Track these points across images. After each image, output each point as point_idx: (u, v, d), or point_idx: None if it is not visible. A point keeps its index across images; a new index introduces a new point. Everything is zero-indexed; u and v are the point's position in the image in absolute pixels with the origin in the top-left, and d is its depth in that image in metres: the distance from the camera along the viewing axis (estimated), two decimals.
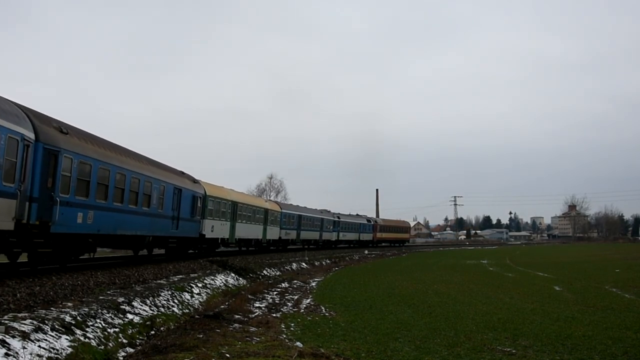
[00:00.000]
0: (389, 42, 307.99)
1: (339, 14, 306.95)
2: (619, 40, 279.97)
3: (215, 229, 29.02)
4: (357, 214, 72.44)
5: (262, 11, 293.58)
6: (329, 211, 59.07)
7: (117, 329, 10.91)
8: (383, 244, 76.47)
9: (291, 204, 49.29)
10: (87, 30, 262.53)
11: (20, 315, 9.41)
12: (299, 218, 47.12)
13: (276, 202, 45.69)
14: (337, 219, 59.22)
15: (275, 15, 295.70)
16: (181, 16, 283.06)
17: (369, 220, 72.11)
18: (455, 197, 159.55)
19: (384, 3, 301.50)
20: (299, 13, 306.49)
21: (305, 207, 52.23)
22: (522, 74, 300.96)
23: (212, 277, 21.33)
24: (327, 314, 14.54)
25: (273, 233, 40.72)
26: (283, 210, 43.61)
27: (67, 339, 9.05)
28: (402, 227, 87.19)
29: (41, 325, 8.95)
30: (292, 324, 12.69)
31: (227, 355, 8.88)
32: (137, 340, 11.02)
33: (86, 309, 10.87)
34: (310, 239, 51.11)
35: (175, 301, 15.38)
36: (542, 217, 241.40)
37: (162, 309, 13.99)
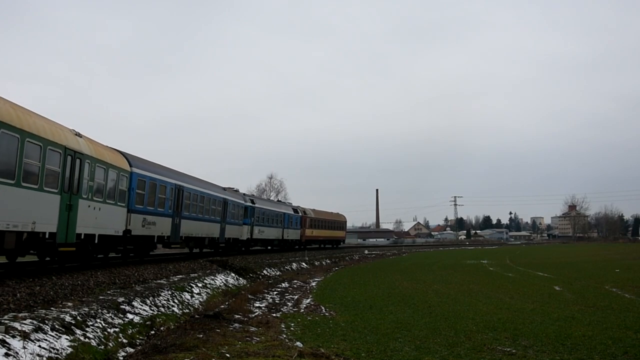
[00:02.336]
0: (391, 42, 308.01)
1: (345, 14, 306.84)
2: (621, 39, 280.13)
3: None
4: (278, 200, 52.49)
5: (267, 12, 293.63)
6: (237, 190, 37.00)
7: (117, 329, 10.91)
8: (313, 245, 56.85)
9: (160, 165, 23.96)
10: (90, 31, 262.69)
11: (20, 315, 9.40)
12: (177, 192, 23.59)
13: (123, 154, 19.94)
14: (250, 204, 37.03)
15: (279, 15, 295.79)
16: (185, 17, 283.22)
17: (295, 210, 50.29)
18: (455, 197, 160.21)
19: (384, 4, 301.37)
20: (304, 13, 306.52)
21: (195, 178, 27.89)
22: (523, 73, 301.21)
23: (212, 277, 21.34)
24: (327, 314, 14.54)
25: (109, 221, 17.73)
26: (136, 171, 19.97)
27: (67, 339, 9.05)
28: (338, 222, 64.21)
29: (41, 325, 8.94)
30: (292, 324, 12.69)
31: (227, 355, 8.88)
32: (137, 340, 11.02)
33: (86, 309, 10.87)
34: (200, 237, 27.50)
35: (175, 301, 15.38)
36: (542, 217, 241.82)
37: (162, 309, 13.99)
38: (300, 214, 50.59)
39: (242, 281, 24.01)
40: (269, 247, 44.95)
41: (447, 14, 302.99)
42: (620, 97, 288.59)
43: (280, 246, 46.07)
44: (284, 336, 11.10)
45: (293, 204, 53.19)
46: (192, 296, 16.89)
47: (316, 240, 56.89)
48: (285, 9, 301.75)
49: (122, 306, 12.33)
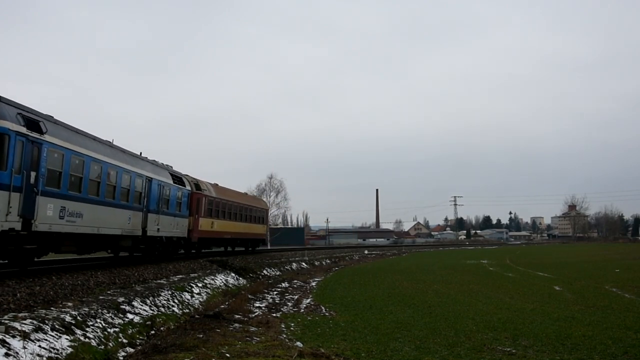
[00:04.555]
0: (392, 42, 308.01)
1: (347, 13, 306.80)
2: (622, 39, 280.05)
3: None
4: (142, 155, 21.89)
5: (268, 11, 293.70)
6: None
7: (117, 329, 10.91)
8: (215, 249, 34.69)
9: None
10: (90, 31, 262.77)
11: (20, 315, 9.41)
12: None
13: None
14: (21, 130, 12.32)
15: (280, 15, 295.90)
16: (185, 17, 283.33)
17: (179, 179, 25.54)
18: (455, 197, 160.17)
19: (386, 3, 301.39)
20: (305, 13, 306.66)
21: None
22: (523, 73, 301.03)
23: (212, 277, 21.34)
24: (327, 314, 14.54)
25: None
26: None
27: (67, 339, 9.05)
28: (257, 209, 39.37)
29: (41, 325, 8.95)
30: (292, 324, 12.69)
31: (227, 355, 8.88)
32: (137, 340, 11.02)
33: (86, 309, 10.87)
34: None
35: (175, 301, 15.39)
36: (542, 217, 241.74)
37: (162, 309, 14.00)
38: (189, 189, 26.25)
39: (242, 281, 24.02)
40: (109, 252, 20.61)
41: (449, 14, 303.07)
42: (621, 97, 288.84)
43: (141, 250, 21.33)
44: (284, 336, 11.10)
45: (173, 168, 25.61)
46: (192, 296, 16.89)
47: (220, 238, 32.22)
48: (286, 8, 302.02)
49: (122, 306, 12.33)
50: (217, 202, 30.26)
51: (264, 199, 68.13)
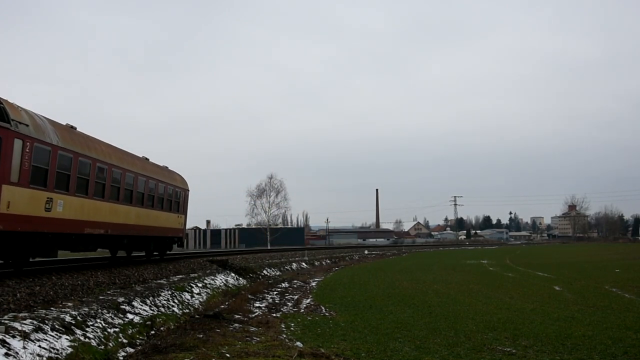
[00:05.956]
0: (393, 42, 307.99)
1: (350, 12, 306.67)
2: (624, 39, 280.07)
3: None
4: None
5: (268, 11, 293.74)
6: None
7: (117, 329, 10.91)
8: (64, 253, 17.39)
9: None
10: (91, 31, 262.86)
11: (20, 315, 9.41)
12: None
13: None
14: None
15: (281, 15, 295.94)
16: (185, 16, 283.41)
17: None
18: (455, 197, 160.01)
19: (390, 2, 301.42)
20: (305, 12, 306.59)
21: None
22: (523, 72, 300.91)
23: (212, 277, 21.36)
24: (327, 314, 14.54)
25: None
26: None
27: (67, 339, 9.05)
28: (167, 187, 23.26)
29: (41, 325, 8.95)
30: (292, 324, 12.69)
31: (227, 355, 8.88)
32: (137, 340, 11.02)
33: (86, 309, 10.88)
34: None
35: (175, 301, 15.39)
36: (542, 217, 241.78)
37: (162, 309, 14.00)
38: None
39: (242, 281, 24.04)
40: None
41: (449, 14, 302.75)
42: (621, 97, 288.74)
43: None
44: (284, 336, 11.10)
45: None
46: (192, 296, 16.90)
47: (78, 235, 15.76)
48: (287, 7, 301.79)
49: (122, 306, 12.34)
50: (67, 160, 15.01)
51: (264, 198, 67.70)
